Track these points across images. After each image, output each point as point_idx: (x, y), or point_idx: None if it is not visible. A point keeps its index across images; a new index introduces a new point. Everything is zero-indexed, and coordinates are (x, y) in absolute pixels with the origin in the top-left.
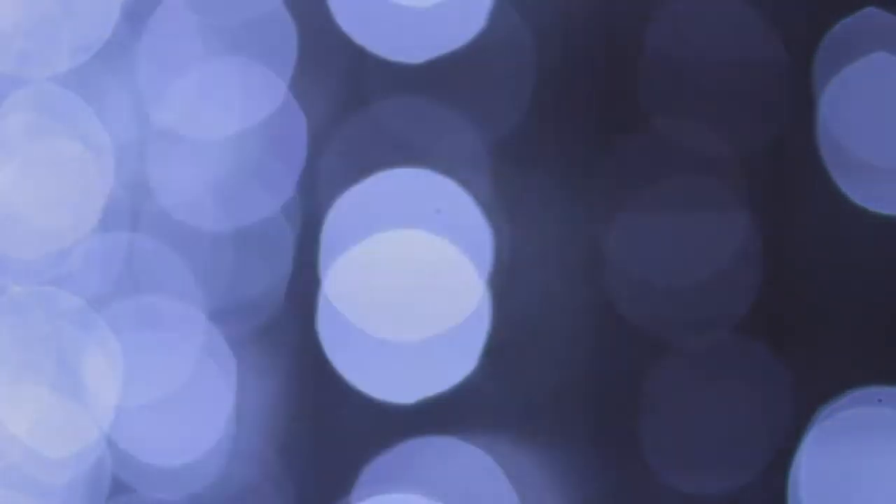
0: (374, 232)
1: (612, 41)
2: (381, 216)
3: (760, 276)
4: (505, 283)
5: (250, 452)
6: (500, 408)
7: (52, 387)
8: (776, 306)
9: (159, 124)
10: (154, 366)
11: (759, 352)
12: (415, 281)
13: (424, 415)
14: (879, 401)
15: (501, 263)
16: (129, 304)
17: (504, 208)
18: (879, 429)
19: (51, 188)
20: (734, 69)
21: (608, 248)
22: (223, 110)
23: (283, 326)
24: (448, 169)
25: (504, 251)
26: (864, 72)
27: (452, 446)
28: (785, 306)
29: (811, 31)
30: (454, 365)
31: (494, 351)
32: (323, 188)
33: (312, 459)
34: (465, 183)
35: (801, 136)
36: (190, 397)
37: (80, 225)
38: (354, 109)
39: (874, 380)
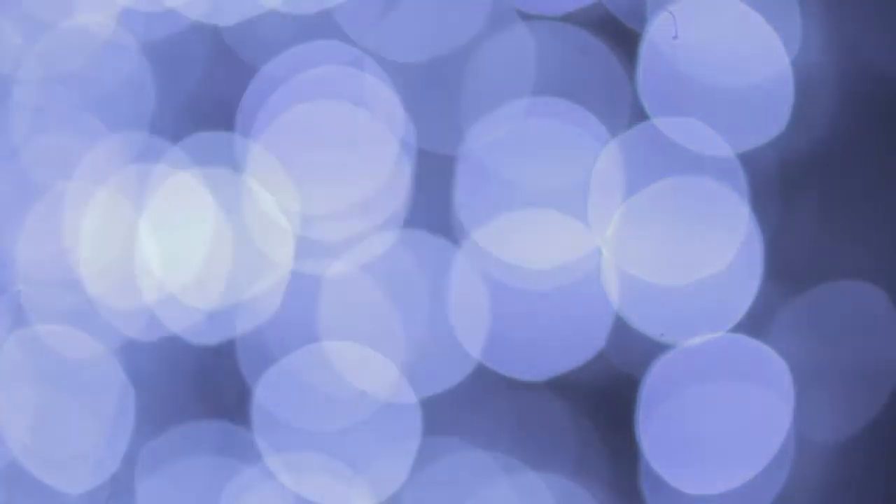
0: (376, 231)
1: (613, 40)
2: (383, 215)
3: (760, 276)
4: (505, 283)
5: (250, 452)
6: (500, 408)
7: (53, 387)
8: (776, 306)
9: (159, 124)
10: (154, 366)
11: (759, 352)
12: (416, 280)
13: (425, 415)
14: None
15: (503, 263)
16: (128, 304)
17: (505, 208)
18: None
19: (52, 189)
20: (734, 69)
21: (609, 248)
22: (223, 110)
23: (281, 327)
24: (449, 168)
25: (505, 251)
26: None
27: (452, 446)
28: (785, 306)
29: (811, 31)
30: (454, 365)
31: (494, 351)
32: (323, 188)
33: (312, 459)
34: (467, 182)
35: (801, 136)
36: (189, 397)
37: (82, 225)
38: (355, 109)
39: (873, 376)
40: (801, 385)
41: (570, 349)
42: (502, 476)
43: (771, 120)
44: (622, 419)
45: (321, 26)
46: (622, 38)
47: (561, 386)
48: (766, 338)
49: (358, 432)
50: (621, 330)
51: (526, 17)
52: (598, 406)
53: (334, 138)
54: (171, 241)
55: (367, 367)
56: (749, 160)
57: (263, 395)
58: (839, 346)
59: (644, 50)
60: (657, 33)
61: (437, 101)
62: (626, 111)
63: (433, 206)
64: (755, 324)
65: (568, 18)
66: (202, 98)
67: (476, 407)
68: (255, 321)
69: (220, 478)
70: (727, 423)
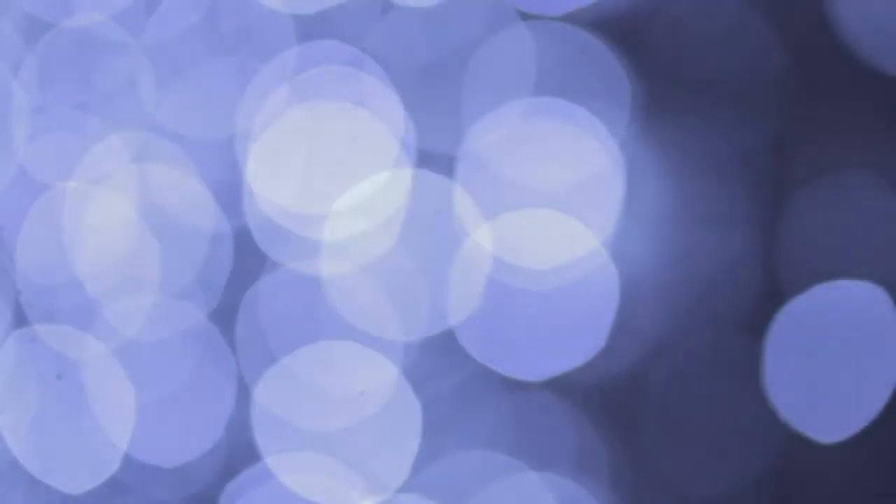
0: (375, 231)
1: (613, 40)
2: (382, 216)
3: (760, 275)
4: (505, 283)
5: (250, 452)
6: (500, 408)
7: (53, 387)
8: (776, 306)
9: (159, 124)
10: (154, 366)
11: (759, 352)
12: (415, 280)
13: (425, 415)
14: None
15: (503, 263)
16: (129, 304)
17: (505, 208)
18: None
19: (52, 189)
20: (734, 69)
21: (609, 248)
22: (223, 110)
23: (283, 326)
24: (449, 168)
25: (505, 251)
26: None
27: (452, 446)
28: (785, 306)
29: (811, 31)
30: (455, 364)
31: (494, 351)
32: (323, 188)
33: (312, 459)
34: (466, 182)
35: (800, 136)
36: (190, 397)
37: (82, 225)
38: (354, 109)
39: (873, 376)
40: (801, 385)
41: (570, 349)
42: (502, 476)
43: (770, 120)
44: (622, 419)
45: (321, 26)
46: (622, 38)
47: (561, 386)
48: (766, 338)
49: (358, 432)
50: (621, 330)
51: (526, 17)
52: (598, 406)
53: (334, 138)
54: (171, 241)
55: (367, 367)
56: (749, 160)
57: (263, 395)
58: (839, 346)
59: (644, 50)
60: (656, 33)
61: (437, 101)
62: (626, 111)
63: (433, 206)
64: (755, 324)
65: (568, 18)
66: (202, 98)
67: (476, 407)
68: (255, 321)
69: (220, 478)
70: (727, 423)
